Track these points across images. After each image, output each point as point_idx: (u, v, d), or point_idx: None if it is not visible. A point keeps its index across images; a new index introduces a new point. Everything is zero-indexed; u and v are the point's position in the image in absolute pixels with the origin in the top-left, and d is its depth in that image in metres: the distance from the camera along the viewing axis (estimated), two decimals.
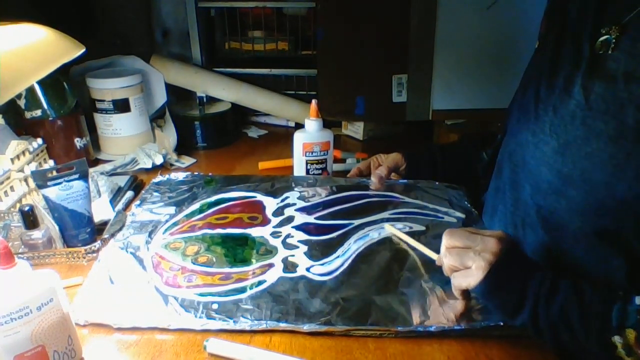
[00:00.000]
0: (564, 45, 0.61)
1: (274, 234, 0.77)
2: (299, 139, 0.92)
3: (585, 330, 0.50)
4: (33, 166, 0.89)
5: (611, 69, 0.53)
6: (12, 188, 0.83)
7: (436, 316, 0.59)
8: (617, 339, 0.48)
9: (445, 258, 0.58)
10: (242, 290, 0.64)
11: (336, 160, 1.07)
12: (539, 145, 0.61)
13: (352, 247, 0.73)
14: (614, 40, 0.53)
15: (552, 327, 0.51)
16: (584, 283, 0.52)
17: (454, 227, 0.78)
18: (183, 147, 1.14)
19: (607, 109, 0.53)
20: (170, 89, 1.25)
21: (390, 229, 0.76)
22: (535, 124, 0.62)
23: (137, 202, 0.86)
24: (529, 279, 0.53)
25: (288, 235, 0.76)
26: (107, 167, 1.04)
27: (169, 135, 1.12)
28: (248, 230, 0.77)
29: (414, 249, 0.72)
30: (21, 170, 0.86)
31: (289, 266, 0.69)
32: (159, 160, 1.05)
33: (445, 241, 0.59)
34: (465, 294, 0.59)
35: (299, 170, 0.95)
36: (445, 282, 0.62)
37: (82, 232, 0.75)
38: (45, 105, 0.98)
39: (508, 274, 0.54)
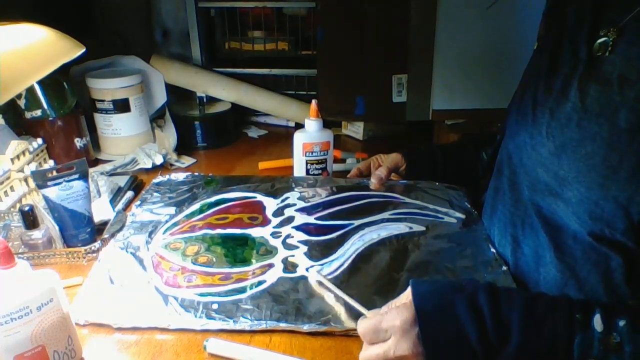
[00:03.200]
0: (562, 47, 0.61)
1: (274, 234, 0.77)
2: (299, 139, 0.92)
3: None
4: (33, 166, 0.89)
5: (607, 72, 0.53)
6: (12, 188, 0.83)
7: None
8: None
9: None
10: (242, 290, 0.64)
11: (336, 160, 1.07)
12: (536, 147, 0.61)
13: (352, 247, 0.73)
14: (611, 43, 0.54)
15: None
16: (539, 315, 0.49)
17: (453, 228, 0.78)
18: (183, 147, 1.14)
19: (601, 111, 0.53)
20: (170, 89, 1.25)
21: (315, 276, 0.67)
22: (533, 126, 0.62)
23: (137, 202, 0.86)
24: (468, 339, 0.49)
25: (288, 236, 0.76)
26: (107, 167, 1.04)
27: (169, 135, 1.12)
28: (248, 231, 0.77)
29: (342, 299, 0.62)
30: (21, 170, 0.86)
31: (289, 266, 0.69)
32: (159, 160, 1.05)
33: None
34: None
35: (299, 170, 0.95)
36: None
37: (82, 232, 0.75)
38: (45, 105, 0.98)
39: (446, 353, 0.50)
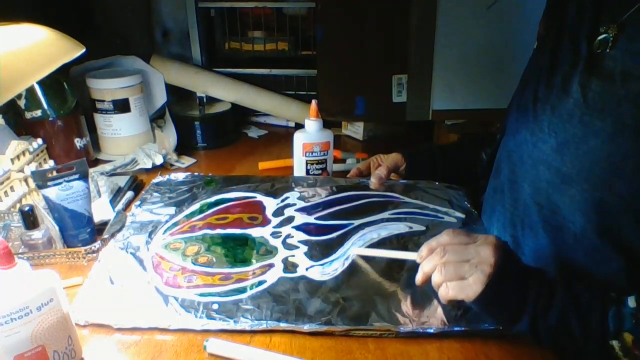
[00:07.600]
0: (562, 44, 0.61)
1: (274, 234, 0.77)
2: (299, 139, 0.92)
3: (584, 337, 0.50)
4: (33, 166, 0.89)
5: (608, 68, 0.53)
6: (12, 188, 0.83)
7: (436, 317, 0.59)
8: (615, 342, 0.48)
9: (438, 274, 0.55)
10: (242, 290, 0.64)
11: (336, 161, 1.07)
12: (537, 144, 0.61)
13: (352, 247, 0.73)
14: (611, 39, 0.54)
15: (551, 334, 0.51)
16: (579, 287, 0.51)
17: (453, 227, 0.78)
18: (183, 147, 1.14)
19: (604, 107, 0.53)
20: (170, 89, 1.25)
21: (356, 251, 0.71)
22: (534, 123, 0.62)
23: (137, 202, 0.86)
24: (527, 290, 0.52)
25: (288, 236, 0.76)
26: (107, 167, 1.04)
27: (169, 136, 1.12)
28: (248, 231, 0.77)
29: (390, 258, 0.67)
30: (21, 170, 0.86)
31: (289, 266, 0.69)
32: (159, 160, 1.05)
33: (437, 257, 0.56)
34: (455, 301, 0.56)
35: (299, 170, 0.95)
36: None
37: (82, 232, 0.75)
38: (45, 106, 0.98)
39: (505, 286, 0.52)
